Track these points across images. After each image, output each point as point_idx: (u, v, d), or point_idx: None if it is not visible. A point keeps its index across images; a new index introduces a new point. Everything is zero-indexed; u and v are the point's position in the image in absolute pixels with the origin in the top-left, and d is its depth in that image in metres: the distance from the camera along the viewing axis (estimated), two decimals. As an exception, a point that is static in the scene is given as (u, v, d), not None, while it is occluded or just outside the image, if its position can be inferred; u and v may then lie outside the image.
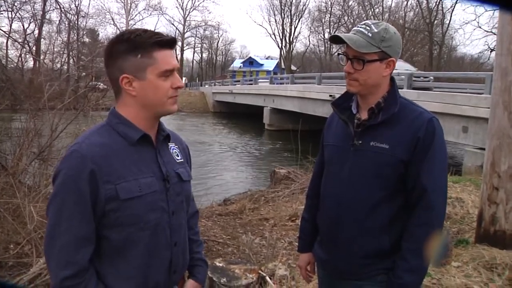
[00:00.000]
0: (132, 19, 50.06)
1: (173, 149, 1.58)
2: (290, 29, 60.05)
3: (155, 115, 1.47)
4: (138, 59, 1.37)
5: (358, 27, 1.66)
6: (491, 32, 36.30)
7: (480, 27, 49.33)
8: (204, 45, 73.61)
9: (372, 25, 1.63)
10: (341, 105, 1.81)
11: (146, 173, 1.42)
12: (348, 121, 1.75)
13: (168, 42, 1.41)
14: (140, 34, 1.37)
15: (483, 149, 4.92)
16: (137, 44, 1.36)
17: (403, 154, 1.62)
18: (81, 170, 1.32)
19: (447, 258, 3.65)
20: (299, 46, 78.77)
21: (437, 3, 42.72)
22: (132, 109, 1.43)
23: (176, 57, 1.52)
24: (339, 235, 1.76)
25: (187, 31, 65.06)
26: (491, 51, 37.59)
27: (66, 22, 35.46)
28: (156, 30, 1.46)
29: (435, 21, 44.12)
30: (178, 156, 1.58)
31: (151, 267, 1.45)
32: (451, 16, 43.77)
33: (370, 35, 1.61)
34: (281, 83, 30.57)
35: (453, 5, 41.11)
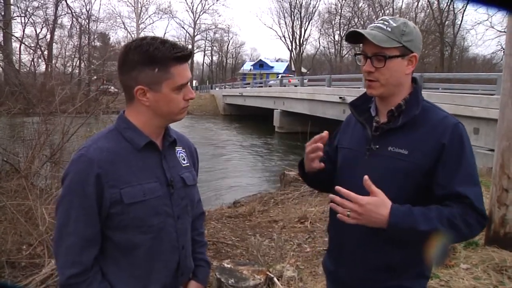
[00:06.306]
0: (143, 22, 50.49)
1: (179, 153, 1.59)
2: (300, 32, 60.17)
3: (165, 123, 1.50)
4: (155, 72, 1.37)
5: (375, 23, 1.56)
6: (504, 32, 35.80)
7: (492, 27, 48.63)
8: (214, 48, 73.93)
9: (390, 20, 1.54)
10: (359, 106, 1.70)
11: (151, 178, 1.45)
12: (366, 124, 1.63)
13: (186, 57, 1.41)
14: (158, 48, 1.35)
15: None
16: (154, 58, 1.35)
17: (423, 161, 1.49)
18: (88, 173, 1.36)
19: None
20: (309, 48, 78.93)
21: (448, 3, 42.33)
22: (143, 117, 1.45)
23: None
24: (346, 244, 1.64)
25: (197, 34, 65.40)
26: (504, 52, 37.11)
27: (78, 27, 35.77)
28: (167, 35, 1.47)
29: (446, 22, 43.65)
30: (184, 160, 1.59)
31: (155, 269, 1.47)
32: (462, 16, 43.17)
33: (389, 29, 1.51)
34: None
35: (465, 5, 40.66)
